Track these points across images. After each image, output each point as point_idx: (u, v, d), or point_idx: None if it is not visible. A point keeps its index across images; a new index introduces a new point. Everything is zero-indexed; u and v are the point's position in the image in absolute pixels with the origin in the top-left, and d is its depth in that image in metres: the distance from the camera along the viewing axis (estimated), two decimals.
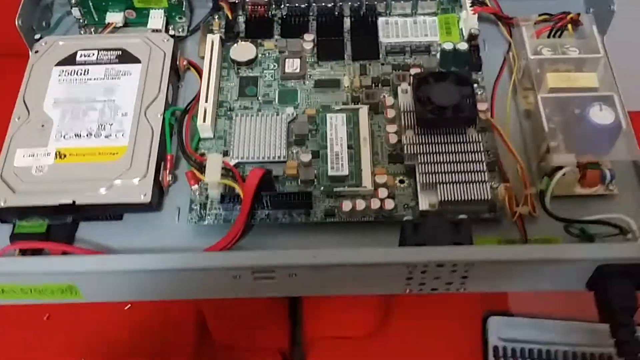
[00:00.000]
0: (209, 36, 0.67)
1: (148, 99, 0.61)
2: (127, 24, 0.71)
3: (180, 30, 0.71)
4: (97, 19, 0.71)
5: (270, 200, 0.56)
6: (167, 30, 0.70)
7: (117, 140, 0.59)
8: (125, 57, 0.64)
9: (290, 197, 0.57)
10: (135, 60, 0.64)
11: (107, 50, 0.65)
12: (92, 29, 0.71)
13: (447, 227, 0.51)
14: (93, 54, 0.65)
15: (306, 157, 0.59)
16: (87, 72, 0.63)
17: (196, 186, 0.58)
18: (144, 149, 0.58)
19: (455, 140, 0.58)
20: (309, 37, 0.68)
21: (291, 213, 0.57)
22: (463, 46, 0.65)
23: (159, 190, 0.58)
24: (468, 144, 0.58)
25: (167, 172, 0.59)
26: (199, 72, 0.67)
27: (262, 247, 0.56)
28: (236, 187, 0.56)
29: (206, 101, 0.62)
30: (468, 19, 0.67)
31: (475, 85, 0.63)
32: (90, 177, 0.56)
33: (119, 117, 0.60)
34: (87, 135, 0.59)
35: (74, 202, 0.55)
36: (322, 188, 0.58)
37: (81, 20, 0.71)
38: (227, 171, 0.58)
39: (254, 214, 0.57)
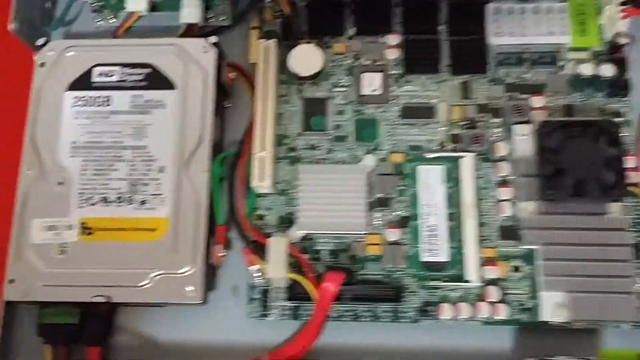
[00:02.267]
0: (262, 44, 0.51)
1: (190, 145, 0.48)
2: (155, 7, 0.55)
3: (222, 18, 0.55)
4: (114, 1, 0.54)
5: (348, 292, 0.45)
6: (206, 19, 0.54)
7: (155, 210, 0.46)
8: (155, 78, 0.49)
9: (373, 290, 0.45)
10: (168, 84, 0.49)
11: (131, 66, 0.50)
12: (109, 15, 0.55)
13: None
14: (113, 73, 0.50)
15: (393, 235, 0.47)
16: (109, 102, 0.49)
17: (256, 267, 0.47)
18: (189, 223, 0.46)
19: (590, 224, 0.44)
20: (394, 39, 0.52)
21: (374, 309, 0.46)
22: (607, 71, 0.48)
23: (210, 272, 0.47)
24: (608, 232, 0.44)
25: (219, 247, 0.47)
26: (250, 82, 0.52)
27: (338, 350, 0.46)
28: (307, 287, 0.45)
29: (262, 149, 0.48)
30: (614, 19, 0.49)
31: (618, 119, 0.47)
32: (125, 263, 0.45)
33: (154, 174, 0.47)
34: (117, 200, 0.47)
35: (108, 300, 0.45)
36: (413, 277, 0.46)
37: (94, 4, 0.55)
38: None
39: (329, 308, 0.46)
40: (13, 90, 0.54)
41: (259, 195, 0.49)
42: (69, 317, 0.46)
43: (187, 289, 0.45)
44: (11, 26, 0.50)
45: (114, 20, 0.55)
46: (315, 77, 0.51)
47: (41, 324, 0.46)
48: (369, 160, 0.49)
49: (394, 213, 0.48)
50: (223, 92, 0.52)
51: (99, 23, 0.55)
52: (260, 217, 0.48)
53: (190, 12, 0.53)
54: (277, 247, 0.45)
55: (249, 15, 0.54)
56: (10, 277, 0.46)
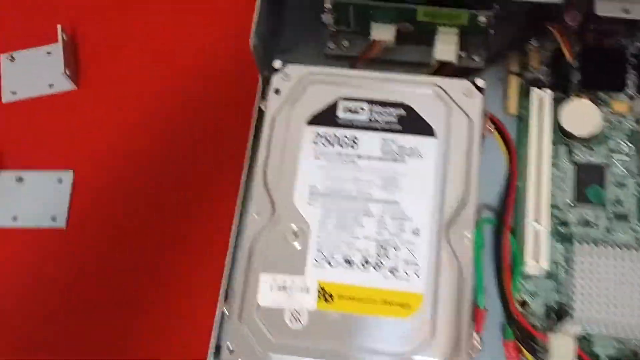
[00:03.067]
0: (536, 92, 0.43)
1: (451, 206, 0.40)
2: (403, 37, 0.47)
3: (475, 58, 0.47)
4: (354, 26, 0.48)
5: None
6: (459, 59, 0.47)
7: (408, 281, 0.39)
8: (412, 121, 0.42)
9: None
10: (427, 130, 0.42)
11: (383, 104, 0.43)
12: (344, 40, 0.48)
13: None
14: (362, 109, 0.43)
15: None
16: (356, 143, 0.42)
17: None
18: (450, 302, 0.38)
19: None
20: None
21: None
22: None
23: None
24: None
25: (476, 336, 0.39)
26: (505, 138, 0.45)
27: None
28: None
29: (537, 221, 0.40)
30: None
31: None
32: (370, 341, 0.38)
33: (408, 236, 0.40)
34: (362, 265, 0.39)
35: None
36: None
37: (332, 29, 0.48)
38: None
39: None
40: (230, 113, 0.49)
41: (523, 277, 0.41)
42: None
43: None
44: (252, 41, 0.44)
45: (348, 46, 0.49)
46: (588, 139, 0.44)
47: None
48: None
49: None
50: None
51: (330, 48, 0.49)
52: (523, 304, 0.40)
53: (445, 49, 0.45)
54: (563, 347, 0.37)
55: (506, 58, 0.47)
56: (229, 342, 0.39)
